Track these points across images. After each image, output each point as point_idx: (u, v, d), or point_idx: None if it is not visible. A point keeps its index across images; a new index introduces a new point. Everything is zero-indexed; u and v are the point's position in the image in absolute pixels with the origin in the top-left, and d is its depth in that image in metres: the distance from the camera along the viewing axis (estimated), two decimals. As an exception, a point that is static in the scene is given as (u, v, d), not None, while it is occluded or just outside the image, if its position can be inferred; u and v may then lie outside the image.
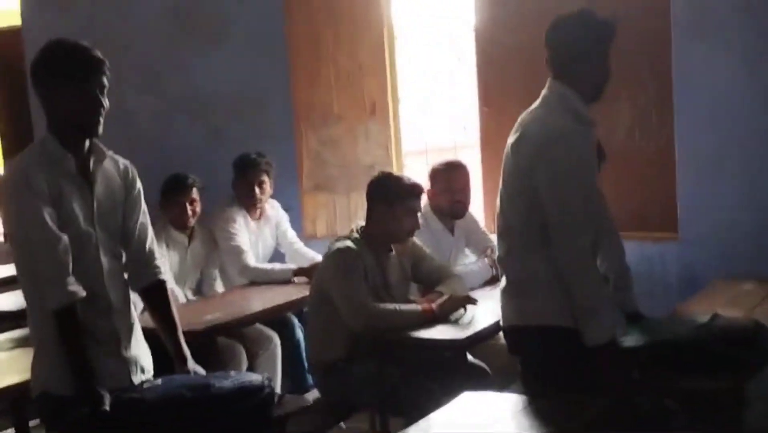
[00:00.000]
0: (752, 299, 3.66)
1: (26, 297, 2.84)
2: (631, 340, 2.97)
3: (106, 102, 2.77)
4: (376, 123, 5.44)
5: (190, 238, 4.72)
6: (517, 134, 2.93)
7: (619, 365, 2.80)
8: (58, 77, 2.73)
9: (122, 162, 2.98)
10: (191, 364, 3.00)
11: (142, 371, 2.94)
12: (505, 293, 3.03)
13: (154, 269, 3.03)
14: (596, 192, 2.95)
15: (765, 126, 4.25)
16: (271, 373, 4.36)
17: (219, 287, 4.80)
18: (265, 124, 5.60)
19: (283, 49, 5.50)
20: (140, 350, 2.97)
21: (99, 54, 2.78)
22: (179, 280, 4.64)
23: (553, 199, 2.82)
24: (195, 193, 4.71)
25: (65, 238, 2.70)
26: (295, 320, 4.71)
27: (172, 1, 5.82)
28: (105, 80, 2.77)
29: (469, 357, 3.82)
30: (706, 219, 4.43)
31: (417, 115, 5.61)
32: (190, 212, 4.67)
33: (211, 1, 5.70)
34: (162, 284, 3.06)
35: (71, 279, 2.70)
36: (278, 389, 4.45)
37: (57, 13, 6.27)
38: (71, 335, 2.71)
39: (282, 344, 4.55)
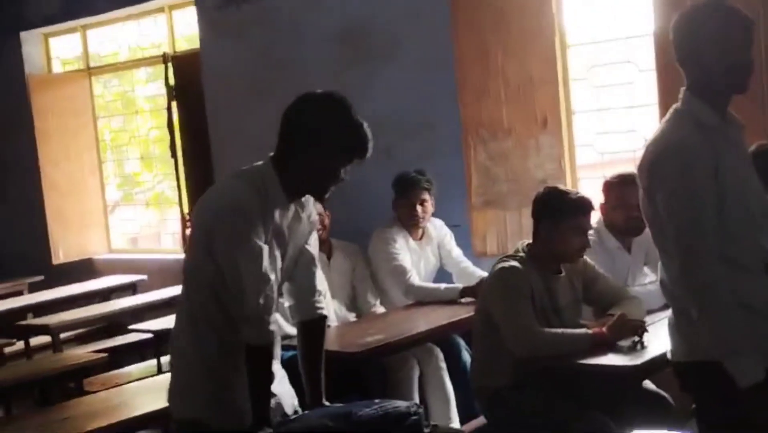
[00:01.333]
0: None
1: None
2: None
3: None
4: (547, 136, 5.22)
5: (329, 254, 4.69)
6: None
7: None
8: (331, 149, 2.66)
9: (310, 201, 2.89)
10: (326, 403, 2.90)
11: (292, 403, 2.87)
12: (670, 324, 2.71)
13: (316, 303, 2.94)
14: (739, 205, 2.50)
15: None
16: (441, 392, 4.24)
17: (376, 305, 4.72)
18: (433, 141, 5.54)
19: (450, 65, 5.42)
20: (285, 382, 2.91)
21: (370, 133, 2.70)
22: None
23: (669, 221, 2.48)
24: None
25: (273, 277, 2.65)
26: (462, 342, 4.55)
27: (343, 24, 5.86)
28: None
29: (649, 384, 3.54)
30: None
31: (592, 127, 5.35)
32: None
33: (381, 21, 5.70)
34: (323, 319, 2.96)
35: (273, 317, 2.66)
36: (454, 414, 4.33)
37: (233, 39, 6.43)
38: (263, 371, 2.64)
39: (448, 367, 4.40)
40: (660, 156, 2.51)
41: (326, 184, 2.69)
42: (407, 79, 5.61)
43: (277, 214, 2.68)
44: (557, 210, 3.46)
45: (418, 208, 4.69)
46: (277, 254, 2.70)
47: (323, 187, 2.70)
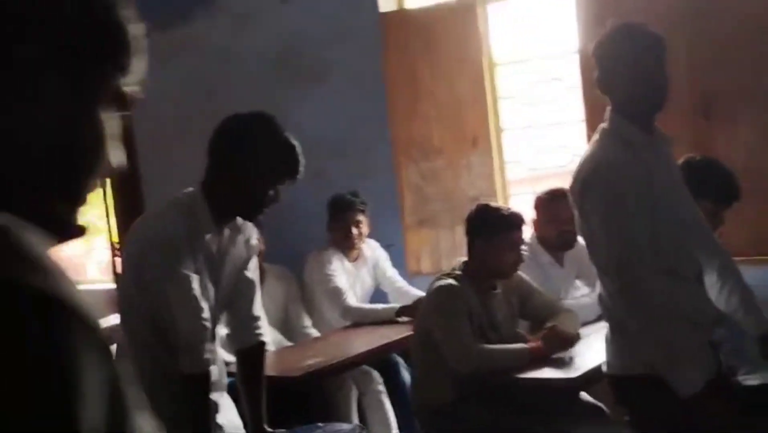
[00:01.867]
0: None
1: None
2: (756, 378, 2.68)
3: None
4: (478, 154, 5.28)
5: (262, 279, 4.65)
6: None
7: (726, 410, 2.46)
8: (260, 170, 2.62)
9: (247, 226, 2.85)
10: (268, 430, 2.87)
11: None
12: (607, 338, 2.75)
13: (256, 330, 2.90)
14: (672, 218, 2.58)
15: None
16: (381, 416, 4.22)
17: (310, 328, 4.69)
18: (365, 162, 5.55)
19: (381, 86, 5.45)
20: (231, 413, 2.87)
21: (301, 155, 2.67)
22: None
23: (605, 239, 2.53)
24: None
25: (206, 305, 2.62)
26: (401, 361, 4.55)
27: (274, 47, 5.84)
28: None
29: (585, 396, 3.59)
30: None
31: (522, 144, 5.43)
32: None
33: (312, 44, 5.70)
34: (262, 345, 2.93)
35: (209, 346, 2.63)
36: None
37: (159, 65, 6.31)
38: (199, 399, 2.62)
39: (387, 387, 4.39)
40: (591, 177, 2.55)
41: (256, 205, 2.66)
42: (339, 101, 5.61)
43: (207, 240, 2.65)
44: (489, 227, 3.50)
45: (354, 230, 4.69)
46: (209, 281, 2.67)
47: (253, 209, 2.67)
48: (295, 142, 2.67)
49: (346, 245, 4.71)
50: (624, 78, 2.58)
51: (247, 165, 2.61)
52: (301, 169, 2.66)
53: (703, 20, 4.43)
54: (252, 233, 2.85)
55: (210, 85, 5.98)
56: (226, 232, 2.72)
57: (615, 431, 3.50)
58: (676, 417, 2.46)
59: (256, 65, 5.90)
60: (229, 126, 2.68)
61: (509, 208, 3.67)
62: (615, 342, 2.64)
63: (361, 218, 4.72)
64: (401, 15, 5.54)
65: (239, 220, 2.77)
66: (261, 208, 2.67)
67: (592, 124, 4.75)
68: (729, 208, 3.46)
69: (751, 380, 2.67)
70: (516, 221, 3.53)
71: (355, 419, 4.33)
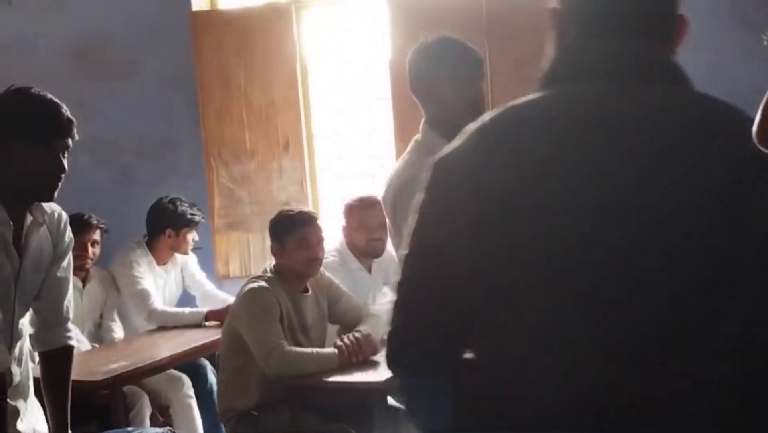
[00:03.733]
0: None
1: None
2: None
3: (66, 167, 2.50)
4: (290, 159, 5.31)
5: (85, 281, 4.50)
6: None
7: None
8: (22, 136, 2.42)
9: (56, 212, 2.66)
10: None
11: None
12: None
13: (65, 332, 2.78)
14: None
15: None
16: (188, 423, 4.16)
17: (119, 332, 4.57)
18: (174, 162, 5.46)
19: (192, 85, 5.37)
20: (35, 416, 2.74)
21: (69, 113, 2.50)
22: (74, 324, 4.39)
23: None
24: (97, 235, 4.50)
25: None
26: (208, 365, 4.51)
27: (77, 39, 5.61)
28: (71, 143, 2.50)
29: (391, 400, 3.68)
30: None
31: (333, 151, 5.49)
32: (90, 254, 4.45)
33: (119, 37, 5.53)
34: (70, 349, 2.79)
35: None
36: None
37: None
38: None
39: (195, 392, 4.33)
40: (402, 190, 2.54)
41: (35, 179, 2.45)
42: (147, 99, 5.48)
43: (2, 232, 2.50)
44: (281, 228, 3.58)
45: (183, 243, 4.65)
46: (6, 276, 2.53)
47: (35, 184, 2.46)
48: (55, 99, 2.51)
49: (169, 255, 4.68)
50: (446, 89, 2.59)
51: (11, 136, 2.44)
52: (69, 127, 2.47)
53: (503, 39, 4.64)
54: (66, 229, 2.71)
55: (6, 79, 5.61)
56: (29, 223, 2.56)
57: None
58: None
59: (58, 60, 5.65)
60: None
61: (300, 209, 3.76)
62: None
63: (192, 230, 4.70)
64: (214, 15, 5.48)
65: (48, 210, 2.61)
66: (44, 182, 2.46)
67: (400, 135, 4.89)
68: None
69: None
70: (304, 218, 3.61)
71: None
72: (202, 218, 4.78)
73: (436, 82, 2.60)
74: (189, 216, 4.67)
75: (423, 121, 2.69)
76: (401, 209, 2.58)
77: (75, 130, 2.50)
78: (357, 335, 3.47)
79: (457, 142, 1.44)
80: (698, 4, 3.33)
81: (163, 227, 4.62)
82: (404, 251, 1.51)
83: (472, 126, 1.43)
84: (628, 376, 1.23)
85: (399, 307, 1.45)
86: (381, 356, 3.40)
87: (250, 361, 3.39)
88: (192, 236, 4.71)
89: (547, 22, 1.45)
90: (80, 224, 4.41)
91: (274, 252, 3.62)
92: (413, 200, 2.43)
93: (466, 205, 1.36)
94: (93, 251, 4.51)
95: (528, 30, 4.61)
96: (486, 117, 1.42)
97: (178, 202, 4.68)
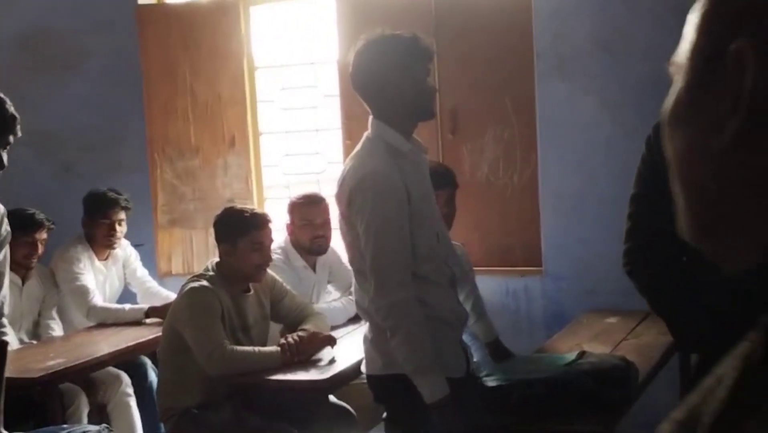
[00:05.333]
0: (617, 334, 3.67)
1: None
2: (495, 379, 2.86)
3: (6, 162, 2.45)
4: (235, 155, 5.26)
5: (25, 278, 4.40)
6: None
7: (464, 415, 2.60)
8: None
9: None
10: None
11: None
12: (366, 340, 2.82)
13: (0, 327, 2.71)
14: (427, 227, 2.65)
15: (625, 165, 4.29)
16: (126, 422, 4.09)
17: (58, 330, 4.48)
18: (117, 157, 5.38)
19: (138, 80, 5.31)
20: None
21: (13, 109, 2.45)
22: (13, 322, 4.29)
23: (366, 247, 2.57)
24: (46, 233, 4.40)
25: None
26: (149, 362, 4.44)
27: (20, 29, 5.51)
28: (12, 139, 2.46)
29: (332, 398, 3.66)
30: (570, 253, 4.47)
31: (279, 148, 5.46)
32: (39, 251, 4.35)
33: (64, 29, 5.43)
34: (4, 346, 2.74)
35: None
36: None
37: None
38: None
39: (135, 390, 4.26)
40: (357, 185, 2.56)
41: None
42: (91, 92, 5.39)
43: None
44: (233, 228, 3.50)
45: (117, 228, 4.53)
46: None
47: None
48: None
49: (106, 244, 4.55)
50: (396, 82, 2.58)
51: None
52: (13, 124, 2.44)
53: (452, 38, 4.66)
54: (3, 222, 2.64)
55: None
56: None
57: (361, 432, 3.61)
58: (429, 416, 2.56)
59: (2, 51, 5.54)
60: None
61: (253, 210, 3.66)
62: (373, 342, 2.70)
63: (123, 216, 4.56)
64: (160, 9, 5.42)
65: None
66: None
67: (348, 132, 4.88)
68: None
69: (491, 382, 2.84)
70: (258, 221, 3.53)
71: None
72: (125, 200, 4.63)
73: (385, 75, 2.58)
74: (114, 197, 4.55)
75: (371, 117, 2.67)
76: (355, 205, 2.57)
77: (19, 126, 2.44)
78: (301, 333, 3.44)
79: None
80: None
81: (95, 214, 4.52)
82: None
83: None
84: None
85: None
86: (323, 354, 3.39)
87: (191, 359, 3.35)
88: (122, 217, 4.58)
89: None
90: (31, 222, 4.31)
91: (224, 252, 3.52)
92: (386, 192, 2.42)
93: None
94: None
95: (476, 27, 4.71)
96: None
97: (109, 191, 4.59)
